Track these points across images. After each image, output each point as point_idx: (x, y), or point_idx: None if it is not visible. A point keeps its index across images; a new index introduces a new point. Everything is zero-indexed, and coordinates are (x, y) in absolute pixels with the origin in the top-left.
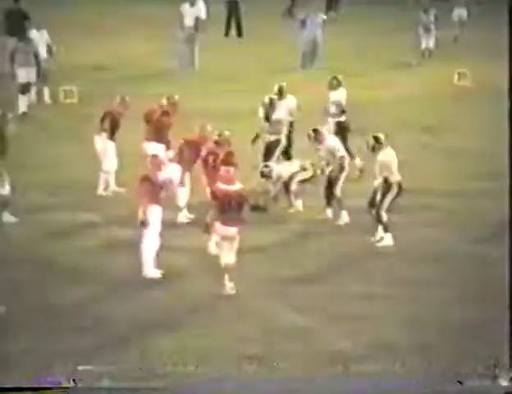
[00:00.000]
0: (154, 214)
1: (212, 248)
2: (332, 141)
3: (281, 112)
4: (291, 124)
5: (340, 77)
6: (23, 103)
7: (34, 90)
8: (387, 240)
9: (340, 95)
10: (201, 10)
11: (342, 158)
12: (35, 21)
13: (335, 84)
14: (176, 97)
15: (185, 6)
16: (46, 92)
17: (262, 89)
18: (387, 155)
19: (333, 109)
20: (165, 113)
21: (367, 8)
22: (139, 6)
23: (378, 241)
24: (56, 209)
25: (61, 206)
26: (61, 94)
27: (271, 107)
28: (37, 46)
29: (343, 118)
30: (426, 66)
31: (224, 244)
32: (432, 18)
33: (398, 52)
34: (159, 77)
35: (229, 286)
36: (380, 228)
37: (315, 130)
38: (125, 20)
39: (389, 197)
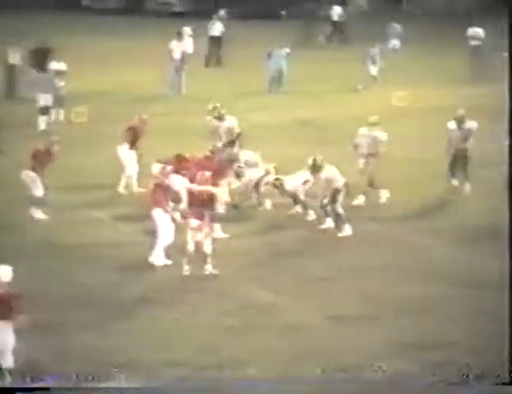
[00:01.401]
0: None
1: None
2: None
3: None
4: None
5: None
6: (42, 122)
7: (52, 112)
8: (347, 230)
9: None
10: (187, 45)
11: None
12: (55, 54)
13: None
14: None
15: (174, 42)
16: (61, 113)
17: (237, 110)
18: (329, 171)
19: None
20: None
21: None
22: (136, 42)
23: (340, 232)
24: (73, 207)
25: (77, 204)
26: (73, 115)
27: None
28: (54, 75)
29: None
30: (371, 90)
31: (190, 233)
32: (377, 51)
33: (349, 78)
34: (153, 100)
35: (209, 268)
36: (329, 219)
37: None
38: (126, 53)
39: (340, 197)
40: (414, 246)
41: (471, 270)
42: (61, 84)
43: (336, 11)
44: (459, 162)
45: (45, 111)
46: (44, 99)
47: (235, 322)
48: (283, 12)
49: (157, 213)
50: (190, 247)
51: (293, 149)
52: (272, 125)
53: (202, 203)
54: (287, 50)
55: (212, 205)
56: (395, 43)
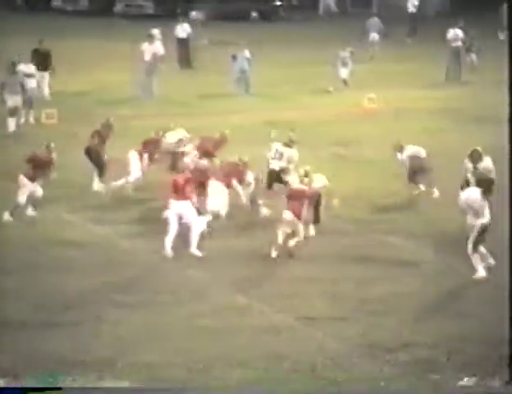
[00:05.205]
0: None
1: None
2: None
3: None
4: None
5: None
6: (12, 123)
7: (22, 113)
8: (311, 231)
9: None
10: (158, 47)
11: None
12: (24, 56)
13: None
14: None
15: (145, 45)
16: (31, 114)
17: (207, 111)
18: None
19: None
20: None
21: (298, 44)
22: (109, 44)
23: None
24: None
25: (53, 201)
26: (43, 116)
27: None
28: (22, 77)
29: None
30: (342, 92)
31: (282, 225)
32: (348, 54)
33: (320, 81)
34: (126, 102)
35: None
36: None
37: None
38: (97, 55)
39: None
40: (384, 246)
41: (442, 269)
42: (32, 86)
43: (413, 2)
44: (418, 173)
45: (14, 112)
46: (13, 100)
47: (207, 322)
48: (254, 14)
49: (188, 205)
50: (280, 240)
51: (264, 151)
52: (242, 127)
53: (301, 198)
54: (247, 54)
55: (311, 201)
56: (374, 36)
